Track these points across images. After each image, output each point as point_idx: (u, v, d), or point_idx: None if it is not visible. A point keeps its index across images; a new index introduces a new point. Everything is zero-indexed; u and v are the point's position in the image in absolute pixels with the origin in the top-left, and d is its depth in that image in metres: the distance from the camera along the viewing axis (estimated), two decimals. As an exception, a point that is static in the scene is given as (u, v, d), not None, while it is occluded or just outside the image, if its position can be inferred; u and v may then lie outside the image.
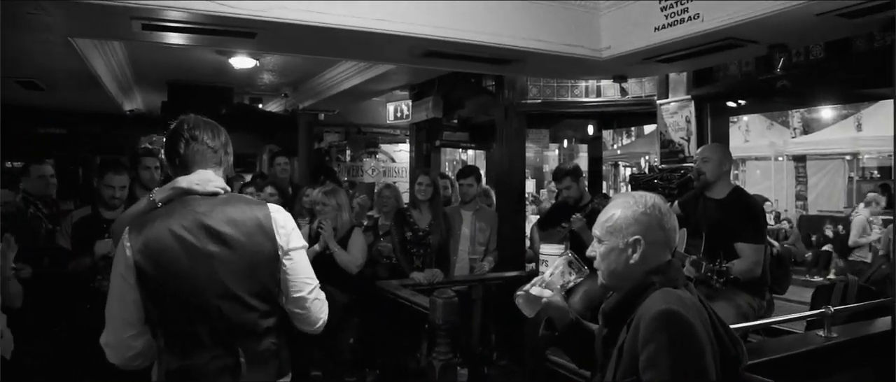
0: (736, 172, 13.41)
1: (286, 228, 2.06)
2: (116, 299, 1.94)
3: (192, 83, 7.91)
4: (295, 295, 2.06)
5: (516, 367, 5.24)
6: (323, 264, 4.43)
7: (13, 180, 4.96)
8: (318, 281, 2.13)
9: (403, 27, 3.85)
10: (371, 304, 4.68)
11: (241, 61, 6.57)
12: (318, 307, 2.11)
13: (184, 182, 2.03)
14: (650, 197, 1.91)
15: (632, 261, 1.82)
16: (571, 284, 2.03)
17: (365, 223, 5.48)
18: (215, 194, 2.04)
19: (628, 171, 13.83)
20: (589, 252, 1.95)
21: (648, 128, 10.86)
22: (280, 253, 2.02)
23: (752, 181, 14.34)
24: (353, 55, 5.66)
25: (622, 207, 1.87)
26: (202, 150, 2.04)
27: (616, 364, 1.75)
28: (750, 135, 14.30)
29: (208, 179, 2.04)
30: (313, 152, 9.68)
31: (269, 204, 2.10)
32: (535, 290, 2.01)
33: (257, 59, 6.62)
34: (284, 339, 2.10)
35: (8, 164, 7.23)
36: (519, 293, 2.04)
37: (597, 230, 1.91)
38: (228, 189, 2.10)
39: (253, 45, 4.26)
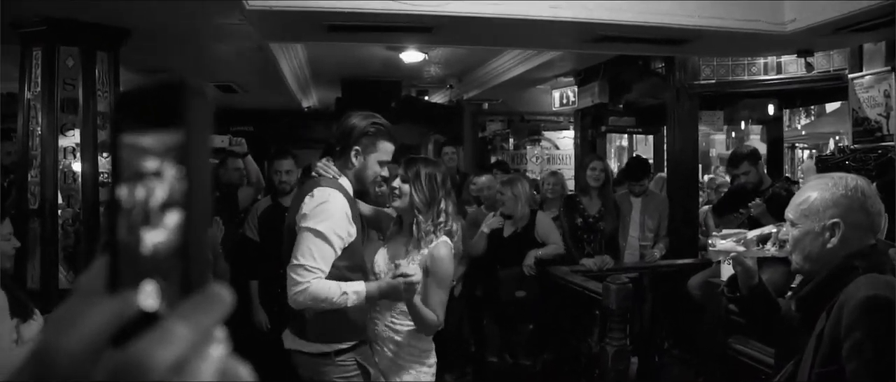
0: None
1: (306, 207, 2.37)
2: None
3: (364, 79, 8.34)
4: None
5: (688, 356, 5.08)
6: (496, 250, 4.61)
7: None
8: (299, 261, 2.31)
9: (575, 13, 3.84)
10: (543, 290, 4.74)
11: (411, 55, 6.85)
12: (290, 281, 2.33)
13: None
14: (852, 179, 1.82)
15: (829, 246, 1.74)
16: (769, 254, 1.96)
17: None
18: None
19: (806, 154, 12.79)
20: (781, 235, 1.89)
21: (830, 107, 9.96)
22: (295, 227, 2.38)
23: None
24: (525, 44, 5.74)
25: (819, 189, 1.79)
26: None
27: (814, 352, 1.68)
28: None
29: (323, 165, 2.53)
30: (477, 141, 9.88)
31: (320, 188, 2.42)
32: (728, 243, 1.98)
33: (426, 53, 6.88)
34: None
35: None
36: (710, 242, 2.04)
37: (790, 213, 1.84)
38: (323, 173, 2.51)
39: (429, 39, 4.46)
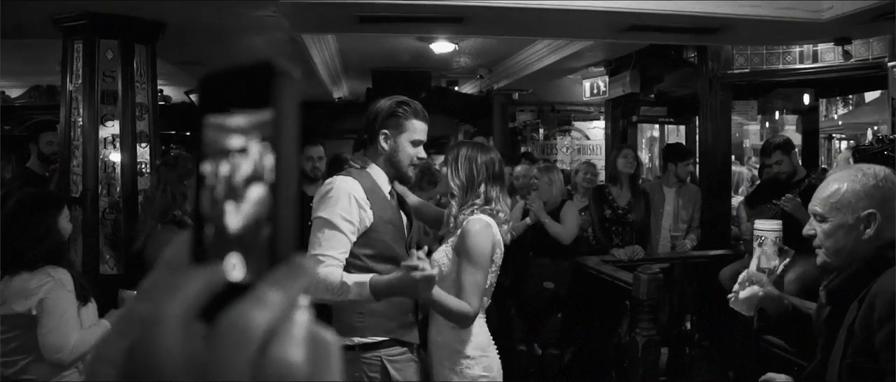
0: None
1: (316, 198, 2.35)
2: None
3: (394, 69, 8.38)
4: None
5: (719, 349, 5.05)
6: (536, 236, 4.63)
7: None
8: (311, 253, 2.23)
9: (607, 3, 3.83)
10: (573, 280, 4.75)
11: (441, 46, 6.87)
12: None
13: None
14: (879, 169, 1.80)
15: (865, 237, 1.71)
16: (780, 269, 1.94)
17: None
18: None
19: (844, 145, 12.52)
20: (806, 230, 1.83)
21: (869, 96, 9.72)
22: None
23: None
24: (556, 34, 5.73)
25: (849, 181, 1.76)
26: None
27: (845, 344, 1.67)
28: None
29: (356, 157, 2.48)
30: (507, 131, 9.87)
31: (339, 178, 2.36)
32: (744, 293, 1.93)
33: (456, 43, 6.89)
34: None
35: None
36: (730, 297, 1.98)
37: (818, 207, 1.79)
38: (352, 164, 2.46)
39: (460, 30, 4.48)
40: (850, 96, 10.44)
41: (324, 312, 2.42)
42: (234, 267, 0.37)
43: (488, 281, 2.37)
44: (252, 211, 0.37)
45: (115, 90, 4.12)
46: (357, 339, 2.30)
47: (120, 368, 0.36)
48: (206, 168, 0.38)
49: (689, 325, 5.26)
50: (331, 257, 2.20)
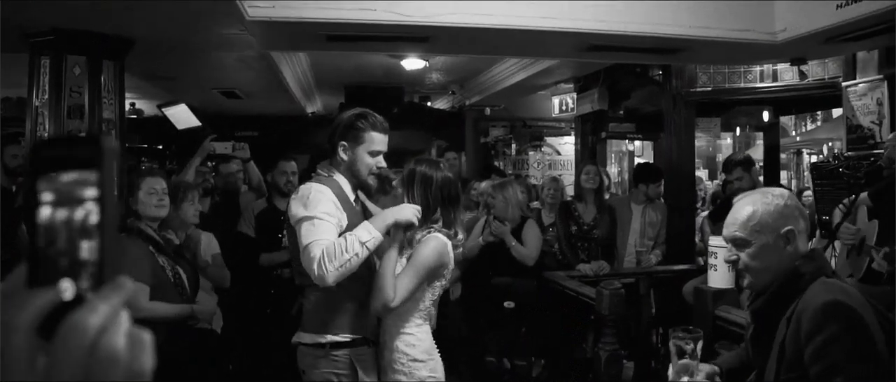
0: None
1: (293, 204, 2.41)
2: None
3: (367, 85, 8.44)
4: None
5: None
6: (494, 255, 4.64)
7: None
8: (304, 244, 2.31)
9: (567, 23, 3.93)
10: (539, 295, 4.81)
11: (412, 62, 6.96)
12: (307, 266, 2.32)
13: None
14: (779, 190, 1.92)
15: (786, 254, 1.80)
16: (700, 352, 1.91)
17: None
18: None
19: (812, 159, 12.81)
20: (727, 257, 1.90)
21: (837, 112, 9.98)
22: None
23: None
24: (520, 53, 5.83)
25: (762, 204, 1.83)
26: None
27: (778, 362, 1.73)
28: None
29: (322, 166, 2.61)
30: (480, 147, 9.96)
31: (313, 183, 2.45)
32: None
33: (427, 60, 6.97)
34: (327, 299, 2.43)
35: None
36: None
37: (739, 232, 1.83)
38: (319, 172, 2.57)
39: (425, 48, 4.55)
40: (819, 113, 10.71)
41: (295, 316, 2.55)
42: (66, 290, 0.47)
43: (431, 295, 2.50)
44: (83, 244, 0.48)
45: (81, 104, 4.12)
46: (329, 337, 2.42)
47: None
48: (44, 211, 0.48)
49: (653, 339, 5.33)
50: (325, 239, 2.30)
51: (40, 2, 3.41)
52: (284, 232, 3.53)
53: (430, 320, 2.63)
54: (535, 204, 5.93)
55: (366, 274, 2.43)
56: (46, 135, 4.11)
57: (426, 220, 2.48)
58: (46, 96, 4.10)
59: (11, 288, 0.49)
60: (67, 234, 0.48)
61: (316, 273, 2.26)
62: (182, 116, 5.94)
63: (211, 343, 3.47)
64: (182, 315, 3.15)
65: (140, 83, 6.46)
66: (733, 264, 1.90)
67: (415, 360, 2.44)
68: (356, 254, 2.27)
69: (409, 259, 2.43)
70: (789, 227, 1.80)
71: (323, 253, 2.25)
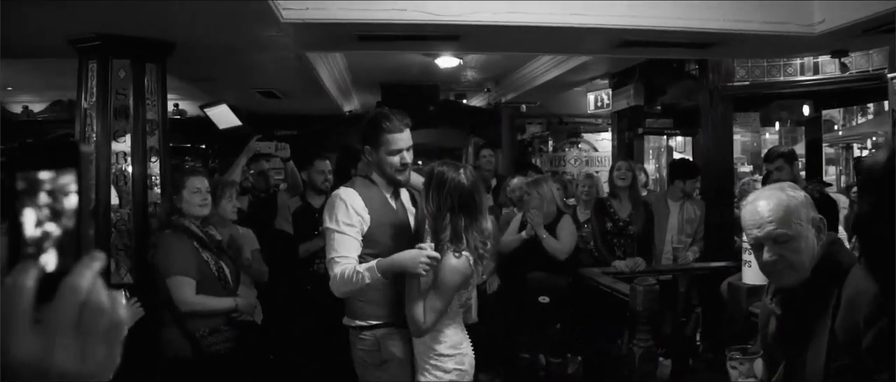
0: None
1: (325, 209, 2.70)
2: None
3: (402, 83, 8.51)
4: None
5: (723, 360, 5.06)
6: (530, 251, 4.67)
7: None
8: (328, 257, 2.59)
9: (599, 19, 3.91)
10: (573, 291, 4.81)
11: (446, 61, 7.00)
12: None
13: None
14: (789, 184, 1.93)
15: (820, 242, 1.79)
16: (759, 371, 1.94)
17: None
18: None
19: (864, 153, 12.43)
20: (767, 258, 1.80)
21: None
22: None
23: None
24: (552, 49, 5.82)
25: (788, 198, 1.81)
26: None
27: (829, 349, 1.70)
28: None
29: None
30: (516, 144, 9.95)
31: (339, 190, 2.68)
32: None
33: (461, 58, 7.00)
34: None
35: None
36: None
37: (779, 228, 1.78)
38: (358, 174, 2.88)
39: (456, 47, 4.58)
40: (870, 106, 10.39)
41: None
42: (48, 263, 0.59)
43: (457, 301, 2.69)
44: (64, 227, 0.60)
45: (127, 106, 4.27)
46: (357, 322, 2.69)
47: None
48: (29, 203, 0.60)
49: (692, 337, 5.28)
50: (343, 257, 2.54)
51: (86, 10, 3.55)
52: (319, 229, 3.64)
53: (470, 312, 2.81)
54: (571, 200, 5.92)
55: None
56: (94, 135, 4.28)
57: (438, 225, 2.57)
58: (94, 99, 4.26)
59: None
60: (45, 219, 0.60)
61: (331, 285, 2.58)
62: (223, 116, 6.09)
63: (253, 336, 3.58)
64: (228, 308, 3.27)
65: (182, 85, 6.65)
66: (773, 264, 1.81)
67: (441, 354, 2.61)
68: (363, 283, 2.51)
69: (434, 280, 2.55)
70: (819, 215, 1.80)
71: (340, 273, 2.51)
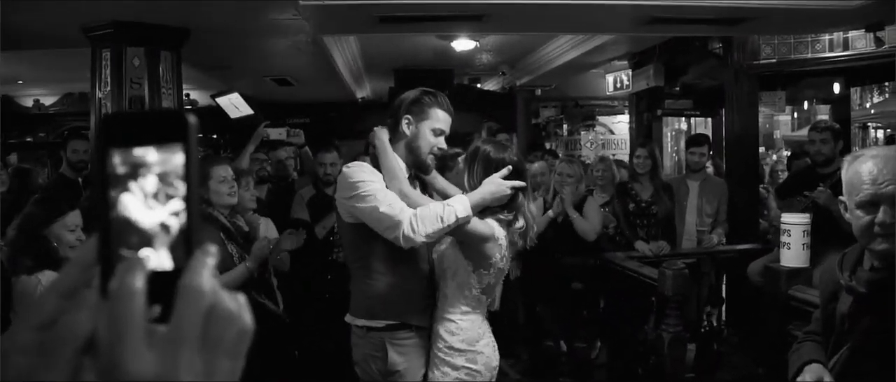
0: None
1: (342, 187, 2.40)
2: None
3: (416, 68, 8.40)
4: None
5: (748, 344, 4.98)
6: (557, 233, 4.59)
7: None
8: (381, 213, 2.26)
9: (626, -4, 3.80)
10: (602, 280, 4.72)
11: (462, 43, 6.88)
12: (392, 232, 2.28)
13: None
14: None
15: None
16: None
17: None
18: None
19: (881, 134, 12.22)
20: (881, 217, 1.61)
21: (907, 83, 9.45)
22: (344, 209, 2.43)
23: None
24: (576, 29, 5.70)
25: (884, 157, 1.64)
26: None
27: None
28: None
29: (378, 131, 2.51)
30: (531, 127, 9.85)
31: (352, 163, 2.47)
32: None
33: (477, 41, 6.89)
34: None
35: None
36: None
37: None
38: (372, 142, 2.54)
39: (480, 27, 4.48)
40: (887, 84, 10.15)
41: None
42: (146, 259, 0.48)
43: (477, 281, 2.41)
44: (170, 217, 0.49)
45: (142, 96, 4.20)
46: (366, 322, 2.45)
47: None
48: (129, 187, 0.48)
49: (715, 321, 5.19)
50: (399, 204, 2.28)
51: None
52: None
53: (493, 303, 2.57)
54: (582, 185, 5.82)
55: (405, 268, 2.43)
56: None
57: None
58: (108, 88, 4.20)
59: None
60: (141, 206, 0.48)
61: (407, 235, 2.23)
62: (235, 106, 6.02)
63: (277, 332, 3.50)
64: (241, 277, 3.13)
65: (196, 74, 6.58)
66: (890, 227, 1.60)
67: (452, 348, 2.40)
68: (453, 219, 2.24)
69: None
70: None
71: (421, 215, 2.24)
